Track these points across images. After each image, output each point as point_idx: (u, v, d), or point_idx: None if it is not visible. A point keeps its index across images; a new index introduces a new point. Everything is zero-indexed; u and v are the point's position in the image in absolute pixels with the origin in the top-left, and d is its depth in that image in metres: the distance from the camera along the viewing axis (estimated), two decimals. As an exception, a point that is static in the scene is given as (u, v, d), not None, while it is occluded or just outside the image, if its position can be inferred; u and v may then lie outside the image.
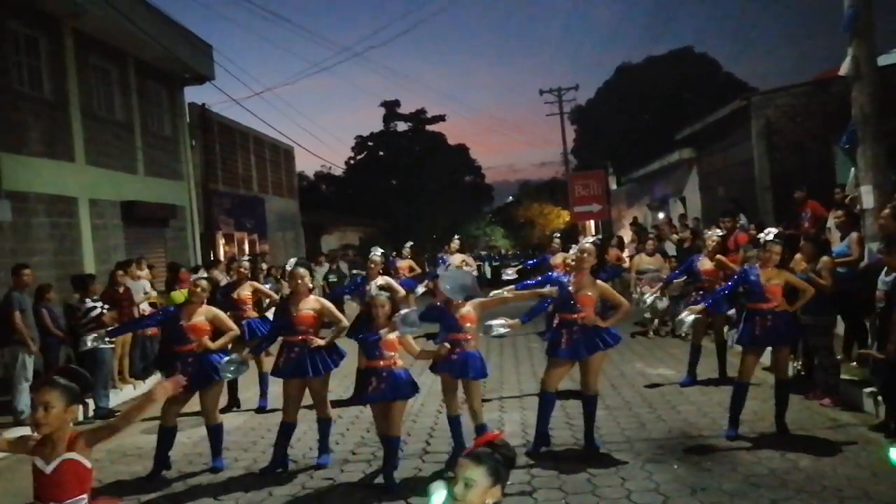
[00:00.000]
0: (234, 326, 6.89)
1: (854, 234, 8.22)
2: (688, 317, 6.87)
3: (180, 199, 17.32)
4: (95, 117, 13.98)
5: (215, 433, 6.61)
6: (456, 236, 14.35)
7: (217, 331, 6.66)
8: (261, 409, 8.73)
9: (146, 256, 13.56)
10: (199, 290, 6.66)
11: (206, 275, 7.13)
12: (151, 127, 16.40)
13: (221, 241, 20.51)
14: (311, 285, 6.75)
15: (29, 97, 12.21)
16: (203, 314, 6.58)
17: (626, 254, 14.57)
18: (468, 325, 6.02)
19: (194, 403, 6.65)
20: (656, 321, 12.49)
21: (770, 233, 6.75)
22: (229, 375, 6.65)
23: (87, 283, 9.73)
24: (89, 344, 7.21)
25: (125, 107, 15.25)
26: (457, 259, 13.34)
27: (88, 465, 3.31)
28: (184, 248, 17.29)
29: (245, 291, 9.13)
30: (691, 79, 30.21)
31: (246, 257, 11.09)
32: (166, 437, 6.49)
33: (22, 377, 8.46)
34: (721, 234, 9.71)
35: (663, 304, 11.80)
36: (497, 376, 9.70)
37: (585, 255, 6.37)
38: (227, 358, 6.52)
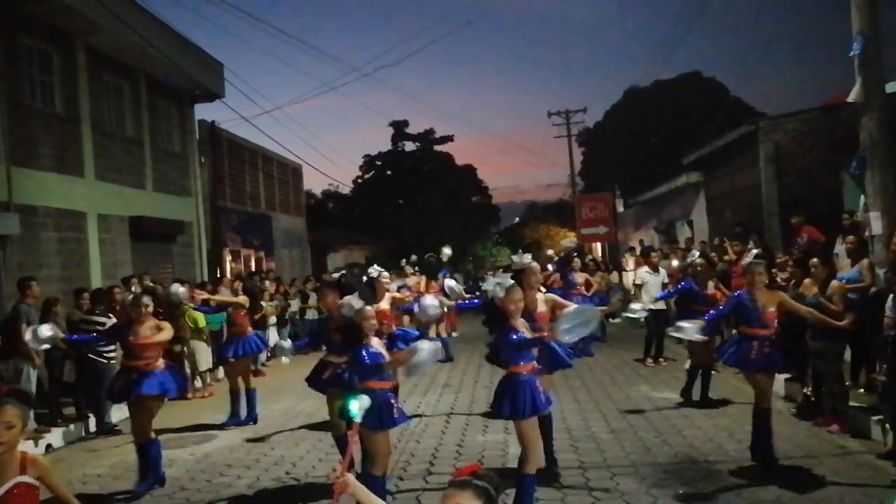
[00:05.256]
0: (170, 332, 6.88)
1: (865, 261, 8.18)
2: (690, 327, 6.81)
3: (188, 215, 17.39)
4: (106, 133, 14.08)
5: (146, 452, 6.51)
6: (445, 248, 13.71)
7: (166, 349, 6.75)
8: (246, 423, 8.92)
9: (153, 272, 13.61)
10: (142, 308, 6.60)
11: (142, 288, 7.06)
12: (161, 143, 16.50)
13: (228, 258, 20.56)
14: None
15: (41, 112, 12.31)
16: (149, 329, 6.58)
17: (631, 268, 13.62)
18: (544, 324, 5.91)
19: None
20: (654, 350, 12.23)
21: (751, 254, 6.72)
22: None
23: (100, 299, 9.80)
24: (46, 333, 6.97)
25: (135, 123, 15.36)
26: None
27: (37, 485, 3.28)
28: (190, 264, 17.33)
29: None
30: (699, 103, 30.28)
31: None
32: (144, 452, 6.50)
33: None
34: (700, 259, 9.51)
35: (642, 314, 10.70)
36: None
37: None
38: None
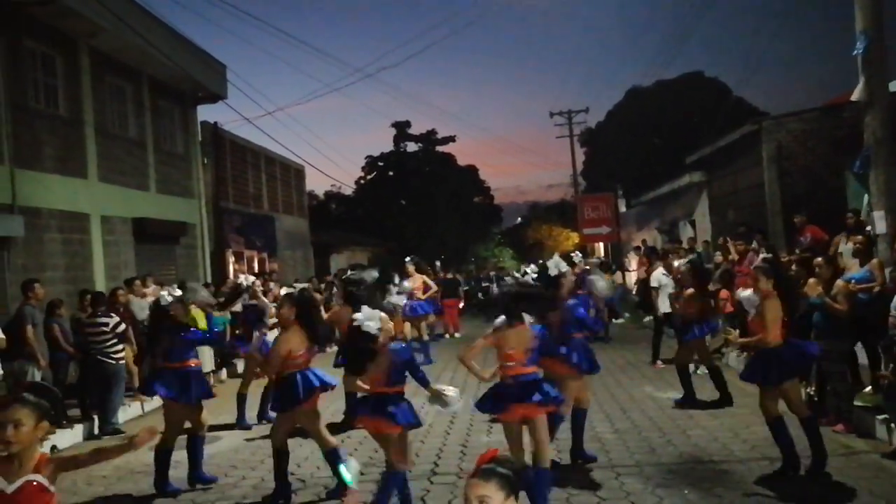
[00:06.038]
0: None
1: (875, 260, 8.12)
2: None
3: (191, 216, 17.40)
4: (109, 135, 14.09)
5: (201, 445, 6.77)
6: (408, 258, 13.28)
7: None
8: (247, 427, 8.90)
9: (156, 273, 13.61)
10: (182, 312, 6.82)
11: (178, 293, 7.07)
12: (164, 145, 16.52)
13: (231, 259, 20.57)
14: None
15: (44, 114, 12.33)
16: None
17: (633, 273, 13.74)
18: None
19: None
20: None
21: (757, 258, 6.71)
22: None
23: (100, 300, 9.80)
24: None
25: (138, 124, 15.38)
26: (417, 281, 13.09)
27: (52, 489, 3.19)
28: (194, 265, 17.34)
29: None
30: (701, 103, 30.26)
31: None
32: (165, 458, 6.53)
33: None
34: (685, 266, 9.62)
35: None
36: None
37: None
38: None
